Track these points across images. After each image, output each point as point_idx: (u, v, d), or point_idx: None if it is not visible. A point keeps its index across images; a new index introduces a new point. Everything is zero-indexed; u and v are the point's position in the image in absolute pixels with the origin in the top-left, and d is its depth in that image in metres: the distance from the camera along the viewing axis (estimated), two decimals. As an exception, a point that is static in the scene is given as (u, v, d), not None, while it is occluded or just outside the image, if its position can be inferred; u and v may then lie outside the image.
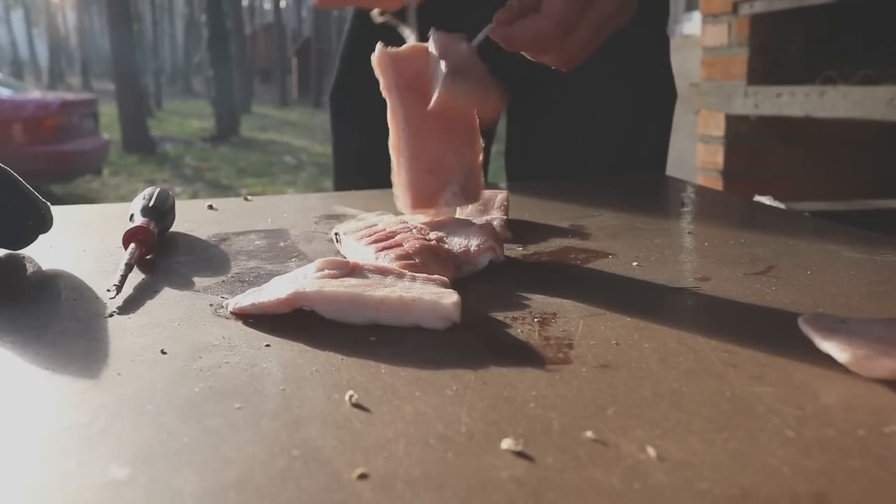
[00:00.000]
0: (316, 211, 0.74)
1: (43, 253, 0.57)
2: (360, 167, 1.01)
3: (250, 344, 0.39)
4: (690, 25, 3.32)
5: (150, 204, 0.60)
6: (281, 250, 0.59)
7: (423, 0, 0.57)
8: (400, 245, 0.50)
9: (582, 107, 0.97)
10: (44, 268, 0.54)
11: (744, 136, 2.37)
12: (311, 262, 0.47)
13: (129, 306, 0.45)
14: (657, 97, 1.01)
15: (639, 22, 0.97)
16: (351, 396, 0.32)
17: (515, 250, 0.58)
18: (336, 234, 0.57)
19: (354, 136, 1.01)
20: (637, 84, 0.97)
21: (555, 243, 0.60)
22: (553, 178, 0.94)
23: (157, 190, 0.63)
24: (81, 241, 0.62)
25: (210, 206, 0.76)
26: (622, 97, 0.97)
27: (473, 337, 0.40)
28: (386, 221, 0.57)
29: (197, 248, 0.60)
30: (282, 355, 0.37)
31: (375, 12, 0.57)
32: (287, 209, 0.75)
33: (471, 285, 0.48)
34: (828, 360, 0.35)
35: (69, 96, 7.61)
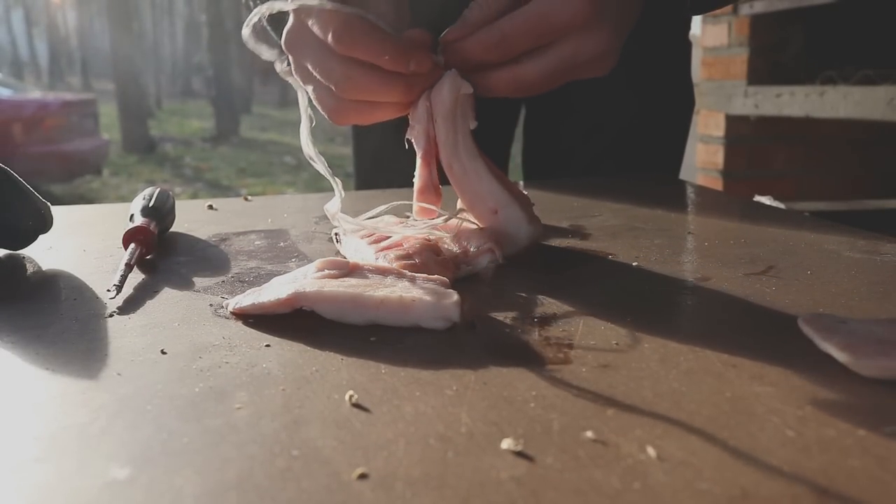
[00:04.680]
0: (316, 211, 0.74)
1: (43, 253, 0.57)
2: (380, 166, 1.02)
3: (250, 344, 0.39)
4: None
5: (150, 204, 0.60)
6: (281, 250, 0.59)
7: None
8: (400, 245, 0.50)
9: (600, 110, 0.98)
10: (44, 268, 0.54)
11: (744, 136, 2.37)
12: (311, 262, 0.47)
13: (129, 306, 0.45)
14: (675, 104, 1.01)
15: (660, 28, 0.98)
16: (351, 396, 0.32)
17: (515, 250, 0.58)
18: (336, 234, 0.57)
19: (373, 134, 1.02)
20: (656, 90, 0.97)
21: (555, 243, 0.60)
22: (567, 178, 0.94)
23: (157, 190, 0.63)
24: (81, 241, 0.62)
25: (210, 206, 0.76)
26: (641, 102, 0.98)
27: (473, 337, 0.40)
28: (386, 221, 0.57)
29: (197, 248, 0.60)
30: (282, 355, 0.37)
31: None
32: (287, 209, 0.75)
33: (471, 285, 0.48)
34: (828, 360, 0.35)
35: (69, 96, 7.62)
